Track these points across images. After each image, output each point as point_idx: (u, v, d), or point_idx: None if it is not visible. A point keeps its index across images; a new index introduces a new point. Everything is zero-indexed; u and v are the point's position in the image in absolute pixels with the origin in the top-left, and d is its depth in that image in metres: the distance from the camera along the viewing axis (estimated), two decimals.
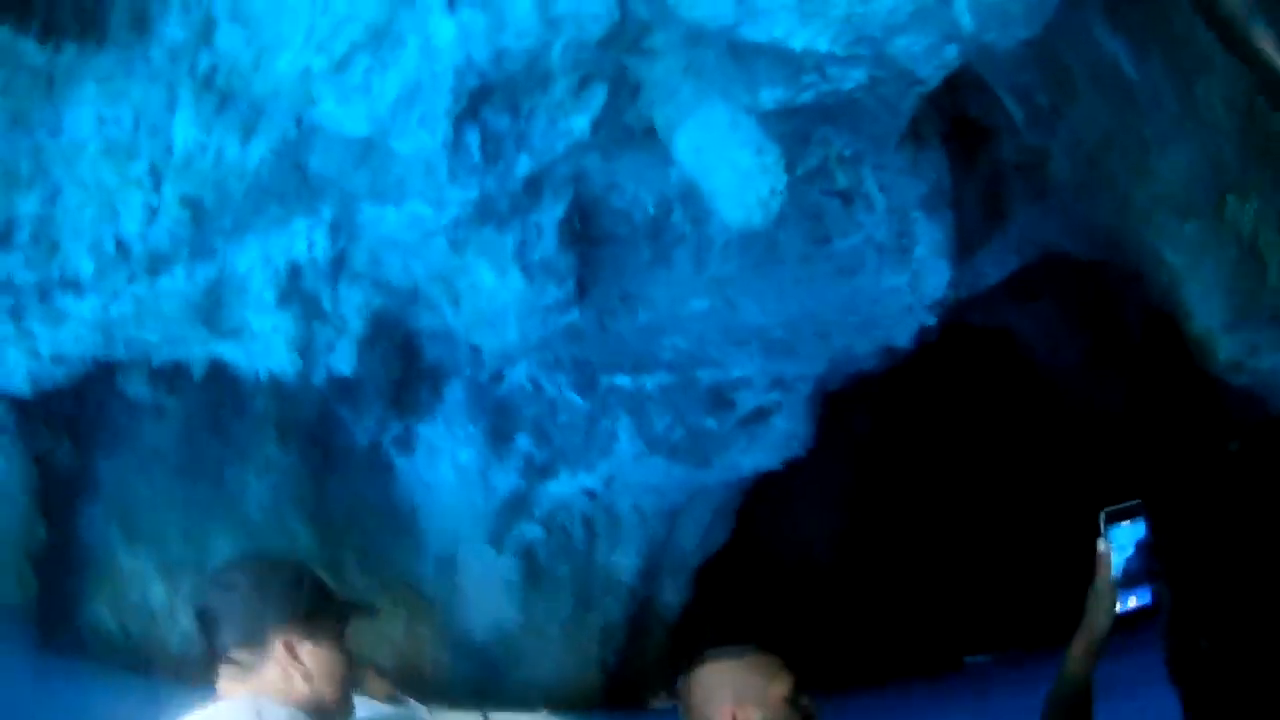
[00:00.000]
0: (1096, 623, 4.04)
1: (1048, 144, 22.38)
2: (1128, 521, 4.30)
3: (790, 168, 16.00)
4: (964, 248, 23.60)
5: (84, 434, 21.10)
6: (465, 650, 25.59)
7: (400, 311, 18.99)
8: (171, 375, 20.18)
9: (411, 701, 19.18)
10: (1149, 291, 25.44)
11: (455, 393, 24.69)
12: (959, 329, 29.71)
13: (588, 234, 19.46)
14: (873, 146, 19.97)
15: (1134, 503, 4.36)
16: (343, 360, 18.15)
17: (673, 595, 29.47)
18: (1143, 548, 4.17)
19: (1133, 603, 4.14)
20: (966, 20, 14.81)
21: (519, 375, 24.50)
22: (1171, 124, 19.07)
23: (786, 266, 22.12)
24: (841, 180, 20.40)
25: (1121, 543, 4.25)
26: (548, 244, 18.05)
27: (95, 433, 21.32)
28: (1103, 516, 4.30)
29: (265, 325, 16.99)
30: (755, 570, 33.10)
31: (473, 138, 15.12)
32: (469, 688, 25.02)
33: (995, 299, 28.96)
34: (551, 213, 17.87)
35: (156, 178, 14.77)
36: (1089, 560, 4.57)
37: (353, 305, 17.61)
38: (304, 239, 16.24)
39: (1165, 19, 18.24)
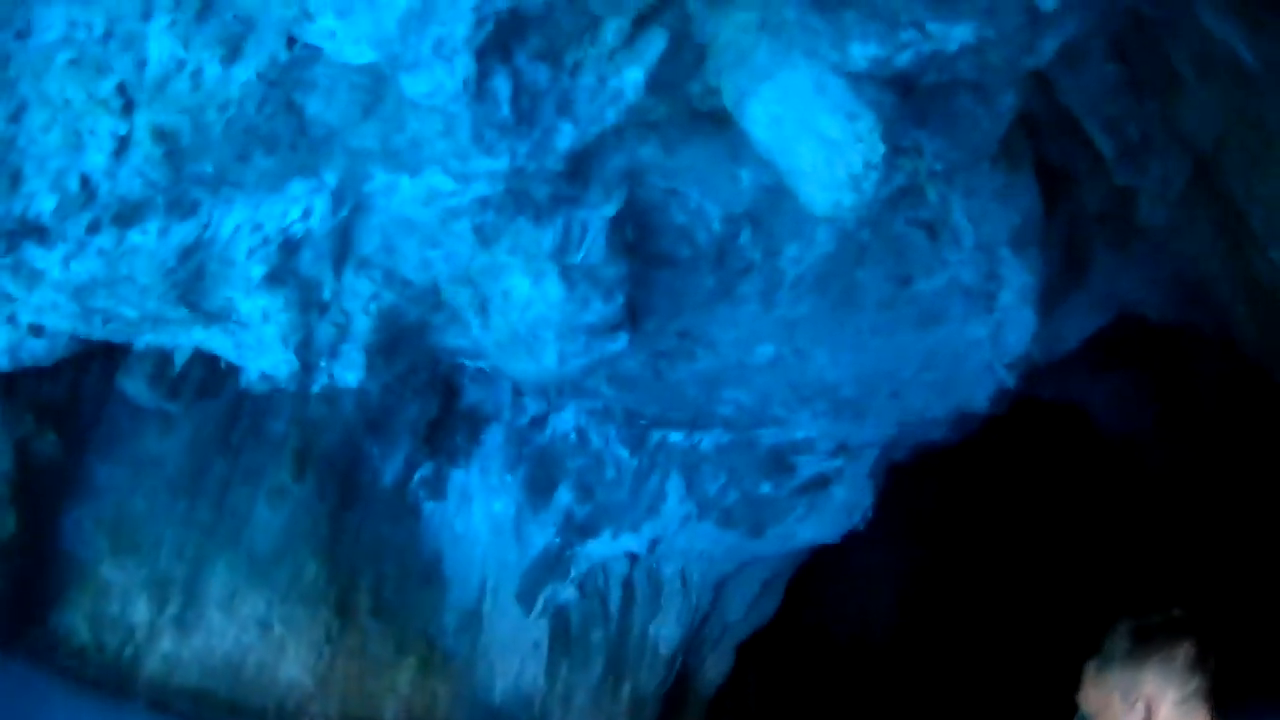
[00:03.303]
0: None
1: (1137, 184, 18.76)
2: None
3: (886, 159, 12.56)
4: (1043, 304, 20.00)
5: (77, 431, 18.80)
6: (482, 712, 22.14)
7: (419, 320, 15.59)
8: (178, 381, 17.95)
9: None
10: (1226, 353, 22.82)
11: (494, 437, 21.65)
12: (1028, 403, 26.75)
13: (643, 250, 15.94)
14: (966, 160, 16.50)
15: None
16: (349, 368, 14.90)
17: (713, 670, 25.93)
18: None
19: None
20: None
21: (565, 424, 21.39)
22: None
23: (865, 312, 18.66)
24: (931, 201, 16.99)
25: None
26: (594, 246, 14.61)
27: (90, 431, 19.02)
28: None
29: (254, 311, 13.91)
30: (803, 647, 30.28)
31: (502, 84, 11.82)
32: None
33: (1066, 369, 25.44)
34: (601, 210, 14.45)
35: (127, 100, 11.89)
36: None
37: (359, 298, 14.38)
38: (301, 205, 13.16)
39: None
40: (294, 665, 20.40)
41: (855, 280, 17.94)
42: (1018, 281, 19.13)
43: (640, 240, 15.92)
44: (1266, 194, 16.38)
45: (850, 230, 16.82)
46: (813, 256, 17.29)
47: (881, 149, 12.43)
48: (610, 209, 14.60)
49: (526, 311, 15.01)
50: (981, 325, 19.62)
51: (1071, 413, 30.39)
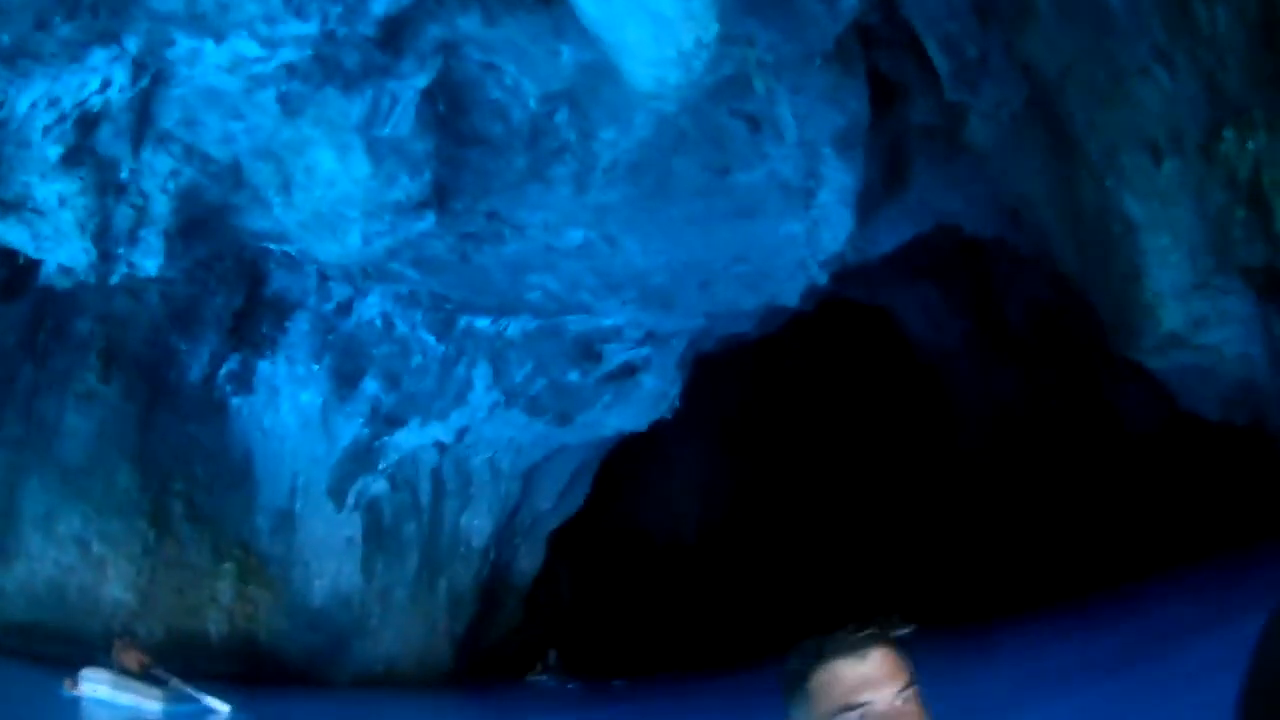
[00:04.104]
0: None
1: (969, 102, 19.09)
2: None
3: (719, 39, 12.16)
4: (861, 209, 20.03)
5: None
6: (303, 617, 21.55)
7: (221, 201, 14.77)
8: None
9: (173, 679, 15.03)
10: (1040, 274, 23.97)
11: (300, 325, 20.69)
12: (838, 304, 27.06)
13: (455, 126, 15.25)
14: (798, 56, 16.25)
15: None
16: (148, 254, 14.14)
17: (527, 562, 25.52)
18: None
19: None
20: None
21: (370, 309, 20.55)
22: (1155, 50, 15.73)
23: (679, 201, 18.28)
24: (757, 93, 16.55)
25: None
26: (404, 119, 13.93)
27: None
28: None
29: (50, 196, 13.10)
30: (615, 541, 30.14)
31: None
32: (307, 660, 21.36)
33: (878, 274, 25.68)
34: (413, 81, 13.78)
35: None
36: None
37: (158, 177, 13.62)
38: (100, 75, 12.32)
39: None
40: (116, 584, 19.51)
41: (672, 168, 17.52)
42: (838, 181, 18.98)
43: (453, 116, 15.21)
44: (1108, 125, 16.72)
45: (670, 116, 16.31)
46: (629, 141, 16.83)
47: (715, 28, 12.06)
48: (423, 80, 13.91)
49: (330, 189, 14.29)
50: (798, 222, 19.45)
51: (880, 316, 30.52)
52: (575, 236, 18.49)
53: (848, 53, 17.79)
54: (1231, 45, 14.77)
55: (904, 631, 25.30)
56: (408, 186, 14.51)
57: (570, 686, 23.10)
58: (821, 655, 2.80)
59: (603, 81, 15.08)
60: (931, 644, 23.12)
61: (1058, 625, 20.28)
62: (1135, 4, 15.56)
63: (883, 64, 19.30)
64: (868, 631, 2.75)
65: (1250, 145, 14.83)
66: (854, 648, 2.73)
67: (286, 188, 14.16)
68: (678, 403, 23.22)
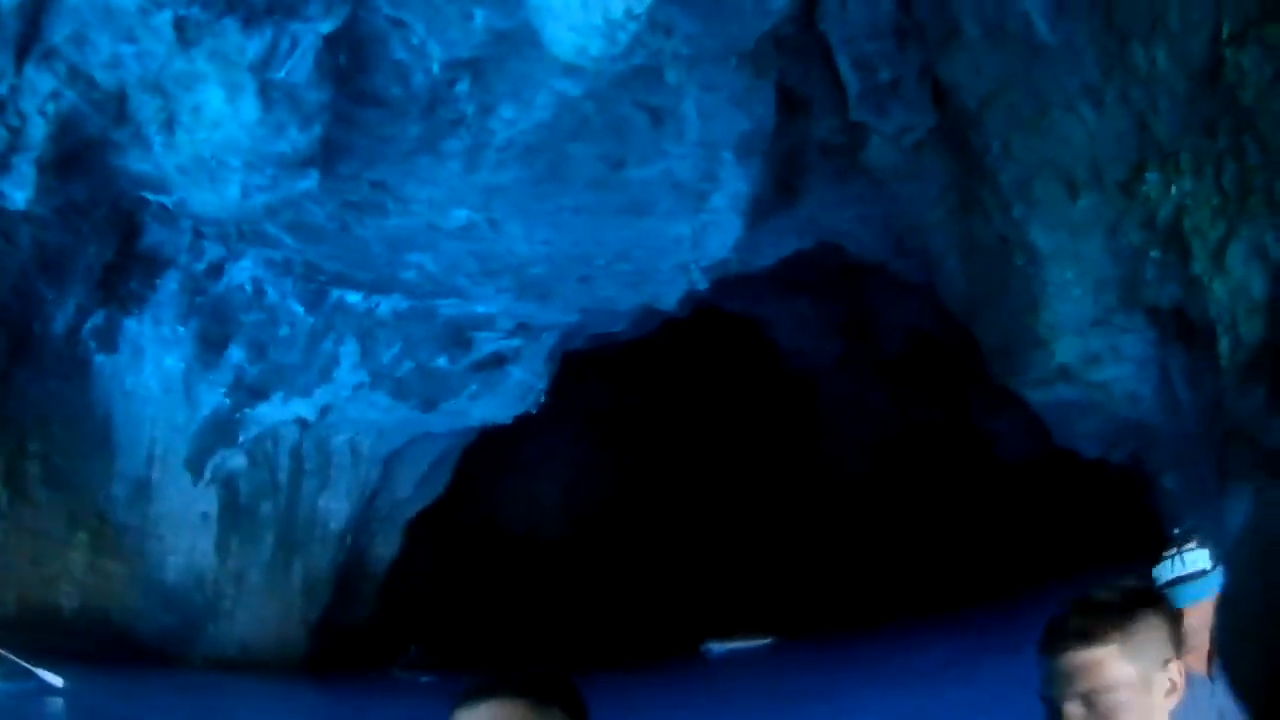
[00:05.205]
0: None
1: (874, 124, 19.01)
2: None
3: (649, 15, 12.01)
4: (750, 218, 19.90)
5: None
6: (157, 595, 20.68)
7: (100, 135, 14.17)
8: None
9: (3, 653, 14.17)
10: (918, 307, 23.99)
11: (170, 283, 19.73)
12: (711, 313, 27.27)
13: (352, 82, 14.63)
14: (715, 53, 16.00)
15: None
16: (19, 185, 13.52)
17: (384, 548, 24.82)
18: None
19: None
20: None
21: (242, 273, 19.71)
22: (1085, 86, 15.84)
23: (570, 191, 17.82)
24: (667, 85, 16.23)
25: None
26: (301, 65, 13.38)
27: None
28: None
29: None
30: (474, 534, 29.57)
31: None
32: (160, 640, 20.47)
33: (757, 286, 25.67)
34: (317, 25, 13.21)
35: None
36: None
37: (38, 97, 12.98)
38: None
39: None
40: None
41: (567, 155, 17.08)
42: (733, 187, 18.78)
43: (352, 70, 14.56)
44: (1026, 155, 16.85)
45: (573, 100, 16.00)
46: (528, 122, 16.35)
47: (648, 1, 11.92)
48: (327, 26, 13.26)
49: (215, 131, 13.59)
50: (687, 224, 19.21)
51: (753, 329, 30.37)
52: (460, 216, 18.01)
53: (763, 57, 17.65)
54: (1168, 88, 14.93)
55: (763, 643, 25.39)
56: (295, 139, 14.03)
57: (425, 680, 22.65)
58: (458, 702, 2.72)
59: (513, 53, 14.77)
60: (788, 654, 23.50)
61: (901, 638, 20.64)
62: (1070, 38, 15.64)
63: (791, 75, 19.04)
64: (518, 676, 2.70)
65: (1174, 189, 15.05)
66: (473, 697, 2.63)
67: (170, 126, 13.62)
68: (544, 397, 22.92)
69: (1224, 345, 14.34)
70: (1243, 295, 14.11)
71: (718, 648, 24.95)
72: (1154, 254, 15.62)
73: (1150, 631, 2.49)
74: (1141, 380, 17.17)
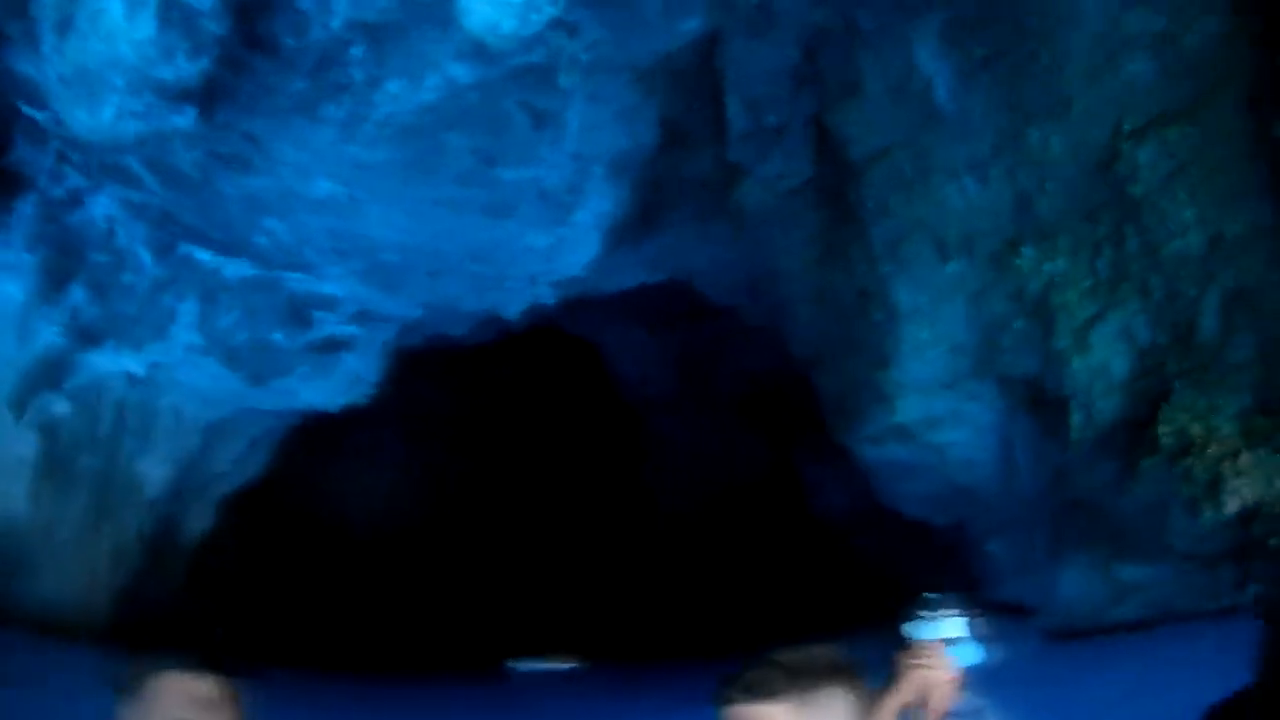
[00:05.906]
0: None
1: (750, 166, 19.08)
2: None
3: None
4: (609, 240, 19.72)
5: None
6: None
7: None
8: None
9: None
10: (759, 351, 23.84)
11: (26, 207, 18.31)
12: (554, 333, 27.29)
13: (251, 23, 14.22)
14: (615, 64, 15.86)
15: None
16: None
17: (196, 522, 23.74)
18: None
19: None
20: None
21: (98, 208, 18.53)
22: (976, 159, 16.10)
23: (438, 181, 17.41)
24: (558, 88, 16.07)
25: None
26: None
27: None
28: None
29: None
30: (291, 521, 28.84)
31: None
32: None
33: (598, 311, 25.47)
34: None
35: None
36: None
37: None
38: None
39: (1010, 55, 15.57)
40: None
41: (442, 143, 16.67)
42: (599, 206, 18.57)
43: (253, 7, 14.19)
44: (902, 215, 17.02)
45: (461, 88, 15.67)
46: (412, 102, 15.95)
47: None
48: None
49: (106, 44, 13.03)
50: (545, 235, 18.86)
51: (594, 354, 30.31)
52: (323, 187, 17.40)
53: (654, 79, 17.49)
54: (1059, 172, 15.24)
55: (570, 666, 25.20)
56: (181, 67, 13.51)
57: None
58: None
59: (420, 21, 14.47)
60: (594, 679, 23.42)
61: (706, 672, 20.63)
62: (967, 111, 15.91)
63: (676, 105, 18.74)
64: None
65: (1047, 267, 15.36)
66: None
67: (64, 29, 13.04)
68: (374, 390, 22.25)
69: (1076, 419, 14.58)
70: (1102, 374, 14.42)
71: (523, 666, 24.72)
72: (1017, 324, 15.84)
73: (831, 701, 2.38)
74: (980, 447, 17.28)
